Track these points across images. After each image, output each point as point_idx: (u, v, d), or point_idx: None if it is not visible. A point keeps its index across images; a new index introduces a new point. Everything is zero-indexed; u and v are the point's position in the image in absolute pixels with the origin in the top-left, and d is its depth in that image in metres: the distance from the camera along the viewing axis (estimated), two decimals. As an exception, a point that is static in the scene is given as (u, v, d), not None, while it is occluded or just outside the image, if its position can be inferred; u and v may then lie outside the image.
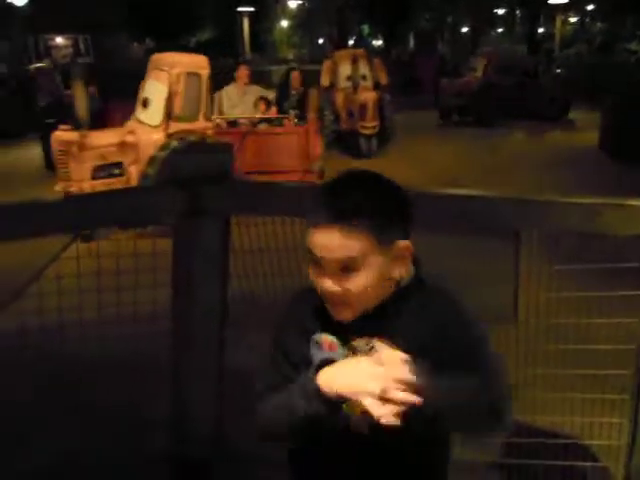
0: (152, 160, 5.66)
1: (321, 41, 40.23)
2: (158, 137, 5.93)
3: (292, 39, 37.03)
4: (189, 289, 2.10)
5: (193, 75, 6.25)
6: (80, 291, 1.92)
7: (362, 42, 35.73)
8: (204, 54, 7.02)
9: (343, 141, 10.50)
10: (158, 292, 2.02)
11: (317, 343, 1.17)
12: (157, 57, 6.53)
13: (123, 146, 6.03)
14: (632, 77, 14.37)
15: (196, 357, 2.21)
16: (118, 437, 2.55)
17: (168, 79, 6.05)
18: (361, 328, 1.15)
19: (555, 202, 1.70)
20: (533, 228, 1.75)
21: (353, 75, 10.84)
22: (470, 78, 14.87)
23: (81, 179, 5.89)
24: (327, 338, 1.16)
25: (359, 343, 1.14)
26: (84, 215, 1.97)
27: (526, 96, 13.74)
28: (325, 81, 11.02)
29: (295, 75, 9.23)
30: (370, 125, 9.99)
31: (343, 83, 10.88)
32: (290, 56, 32.62)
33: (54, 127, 6.45)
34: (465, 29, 38.86)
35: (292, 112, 8.27)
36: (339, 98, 10.71)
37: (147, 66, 6.39)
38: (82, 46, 25.88)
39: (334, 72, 11.02)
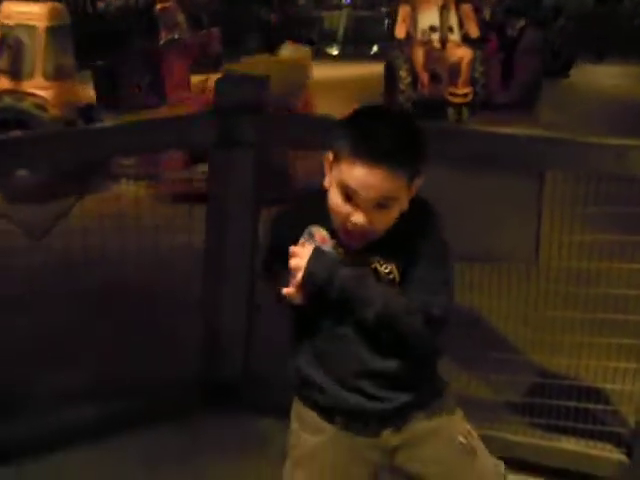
0: None
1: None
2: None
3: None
4: (222, 219, 2.19)
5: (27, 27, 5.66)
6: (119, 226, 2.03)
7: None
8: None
9: (423, 110, 8.09)
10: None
11: (310, 234, 1.21)
12: None
13: None
14: None
15: (227, 287, 2.33)
16: (154, 360, 2.69)
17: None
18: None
19: (580, 142, 1.70)
20: (558, 169, 1.75)
21: (440, 25, 8.61)
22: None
23: None
24: (321, 231, 1.21)
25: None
26: (127, 141, 2.06)
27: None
28: (400, 32, 8.79)
29: None
30: (462, 92, 8.26)
31: (424, 35, 8.59)
32: (343, 1, 31.62)
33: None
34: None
35: None
36: (419, 55, 8.41)
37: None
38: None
39: (412, 19, 8.73)
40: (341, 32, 21.63)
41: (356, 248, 1.20)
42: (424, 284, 1.22)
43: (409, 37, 8.77)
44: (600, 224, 1.87)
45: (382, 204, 1.14)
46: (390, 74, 8.93)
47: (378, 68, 9.97)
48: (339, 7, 24.59)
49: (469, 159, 1.77)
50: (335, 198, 1.17)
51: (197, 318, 2.46)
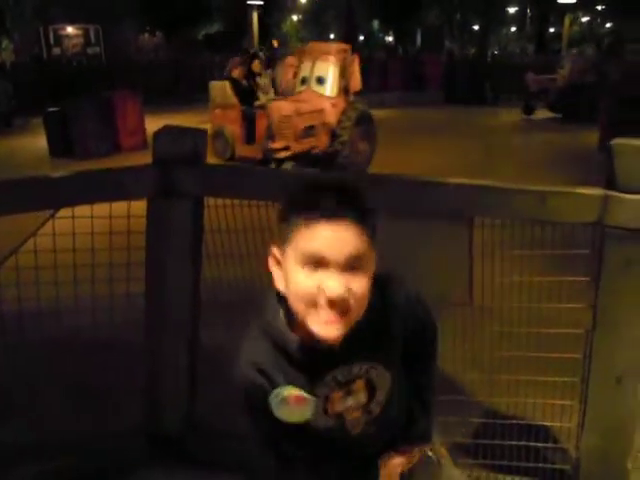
0: None
1: (332, 36, 40.21)
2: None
3: (301, 33, 37.02)
4: (161, 268, 2.19)
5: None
6: (56, 266, 2.01)
7: (372, 38, 35.70)
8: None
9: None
10: (133, 270, 2.11)
11: (280, 399, 1.11)
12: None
13: None
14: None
15: (168, 338, 2.30)
16: (95, 413, 2.62)
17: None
18: (330, 359, 1.14)
19: (505, 189, 1.78)
20: (484, 214, 1.82)
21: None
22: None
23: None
24: (292, 392, 1.12)
25: (337, 375, 1.15)
26: (62, 192, 2.06)
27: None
28: None
29: None
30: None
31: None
32: (299, 50, 32.54)
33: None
34: (476, 27, 38.74)
35: None
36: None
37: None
38: (92, 36, 26.01)
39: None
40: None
41: (336, 339, 1.07)
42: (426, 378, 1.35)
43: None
44: (529, 266, 1.94)
45: (353, 265, 1.04)
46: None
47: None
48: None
49: (399, 206, 1.83)
50: (299, 279, 1.04)
51: (141, 369, 2.42)
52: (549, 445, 2.22)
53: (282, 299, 1.13)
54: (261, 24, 27.51)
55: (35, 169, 8.35)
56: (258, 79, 9.78)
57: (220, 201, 2.14)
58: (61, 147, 10.22)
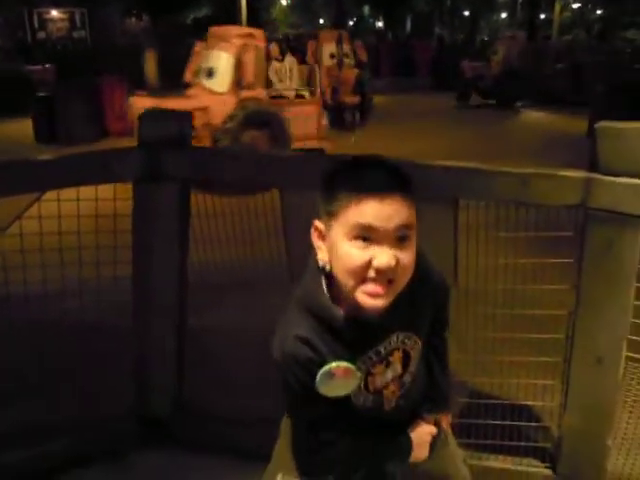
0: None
1: (322, 21, 39.92)
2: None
3: (291, 18, 36.70)
4: (148, 252, 2.19)
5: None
6: (42, 249, 2.01)
7: (362, 23, 35.49)
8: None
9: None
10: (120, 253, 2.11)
11: (328, 375, 1.13)
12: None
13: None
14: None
15: (156, 321, 2.31)
16: (86, 396, 2.63)
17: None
18: (373, 331, 1.18)
19: (488, 171, 1.79)
20: (469, 196, 1.84)
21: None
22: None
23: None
24: (340, 365, 1.14)
25: (380, 347, 1.21)
26: (48, 175, 2.06)
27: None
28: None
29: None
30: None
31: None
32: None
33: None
34: (466, 13, 38.60)
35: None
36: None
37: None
38: (78, 20, 25.63)
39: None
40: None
41: (380, 308, 1.11)
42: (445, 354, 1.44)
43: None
44: (514, 248, 1.96)
45: (402, 236, 1.08)
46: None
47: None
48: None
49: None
50: (349, 251, 1.07)
51: (130, 352, 2.43)
52: (532, 424, 2.26)
53: (324, 274, 1.15)
54: (250, 9, 27.20)
55: (21, 155, 8.25)
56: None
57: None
58: (47, 133, 10.12)
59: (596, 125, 1.82)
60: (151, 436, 2.48)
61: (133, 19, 30.12)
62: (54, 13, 25.90)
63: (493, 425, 2.23)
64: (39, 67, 16.40)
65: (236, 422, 2.47)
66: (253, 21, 28.79)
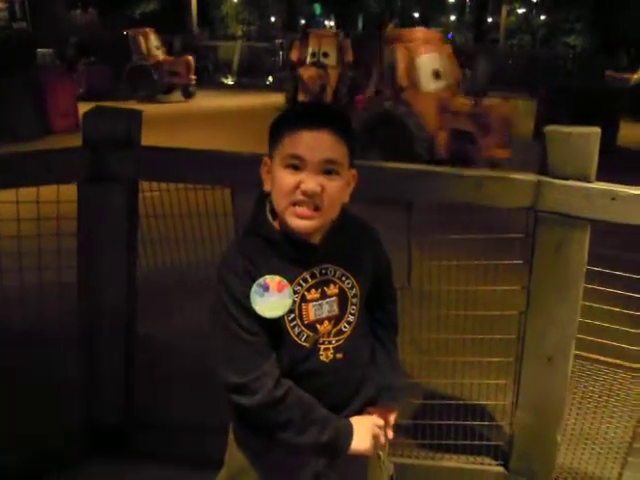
0: None
1: (273, 19, 39.69)
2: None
3: (241, 15, 36.34)
4: (95, 256, 2.10)
5: None
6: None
7: (313, 22, 35.49)
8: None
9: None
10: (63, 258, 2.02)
11: (262, 286, 1.22)
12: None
13: None
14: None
15: (104, 326, 2.22)
16: (35, 406, 2.52)
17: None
18: (309, 254, 1.27)
19: (442, 173, 1.80)
20: (422, 198, 1.84)
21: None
22: None
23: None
24: (274, 279, 1.23)
25: (315, 270, 1.27)
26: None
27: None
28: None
29: None
30: None
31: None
32: (239, 32, 32.15)
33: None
34: (417, 14, 39.17)
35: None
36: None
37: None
38: (18, 10, 24.64)
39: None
40: (236, 62, 21.85)
41: (309, 230, 1.23)
42: (393, 302, 1.47)
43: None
44: (468, 250, 1.98)
45: (328, 170, 1.20)
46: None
47: (274, 98, 10.67)
48: (234, 38, 24.81)
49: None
50: (281, 176, 1.22)
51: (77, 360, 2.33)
52: (485, 423, 2.29)
53: (269, 200, 1.29)
54: (200, 4, 26.81)
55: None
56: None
57: (155, 185, 2.08)
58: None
59: (545, 129, 1.85)
60: (102, 446, 2.38)
61: (79, 12, 29.19)
62: (-7, 3, 24.84)
63: (447, 425, 2.25)
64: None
65: (187, 430, 2.41)
66: (203, 17, 28.42)
